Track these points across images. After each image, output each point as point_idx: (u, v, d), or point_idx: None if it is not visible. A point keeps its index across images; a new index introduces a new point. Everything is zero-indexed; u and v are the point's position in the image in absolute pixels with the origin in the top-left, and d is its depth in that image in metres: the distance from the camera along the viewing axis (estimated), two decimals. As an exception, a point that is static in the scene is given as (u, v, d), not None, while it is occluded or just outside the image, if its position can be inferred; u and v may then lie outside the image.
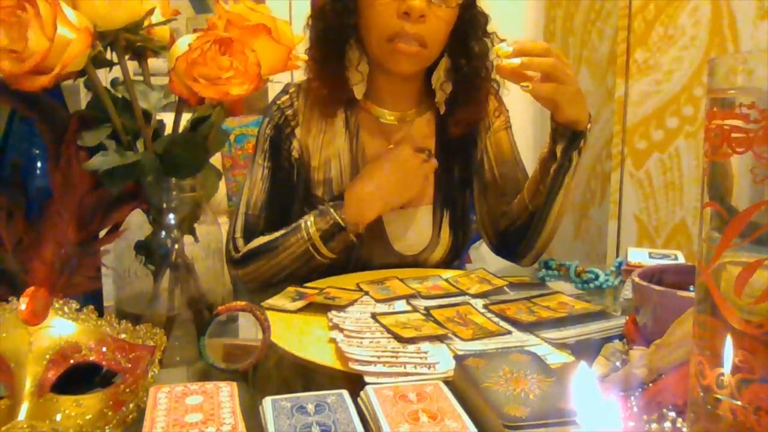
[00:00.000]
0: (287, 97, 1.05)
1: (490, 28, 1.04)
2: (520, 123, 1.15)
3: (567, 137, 0.92)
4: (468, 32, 1.02)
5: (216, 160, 1.68)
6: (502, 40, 1.05)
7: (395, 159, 0.97)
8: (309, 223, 0.94)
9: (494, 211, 1.07)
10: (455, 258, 1.10)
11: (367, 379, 0.57)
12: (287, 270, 0.95)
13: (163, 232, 0.66)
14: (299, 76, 1.12)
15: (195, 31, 0.61)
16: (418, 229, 1.04)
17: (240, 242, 1.01)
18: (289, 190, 1.03)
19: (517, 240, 1.03)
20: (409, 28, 0.92)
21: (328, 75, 1.00)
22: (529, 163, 1.14)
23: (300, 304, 0.79)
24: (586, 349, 0.63)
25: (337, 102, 1.03)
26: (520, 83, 0.87)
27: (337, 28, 0.98)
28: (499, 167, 1.08)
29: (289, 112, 1.04)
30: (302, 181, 1.03)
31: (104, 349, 0.53)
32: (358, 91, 1.01)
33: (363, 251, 1.01)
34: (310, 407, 0.49)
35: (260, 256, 0.95)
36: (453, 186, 1.08)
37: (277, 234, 0.96)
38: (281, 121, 1.04)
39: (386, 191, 0.95)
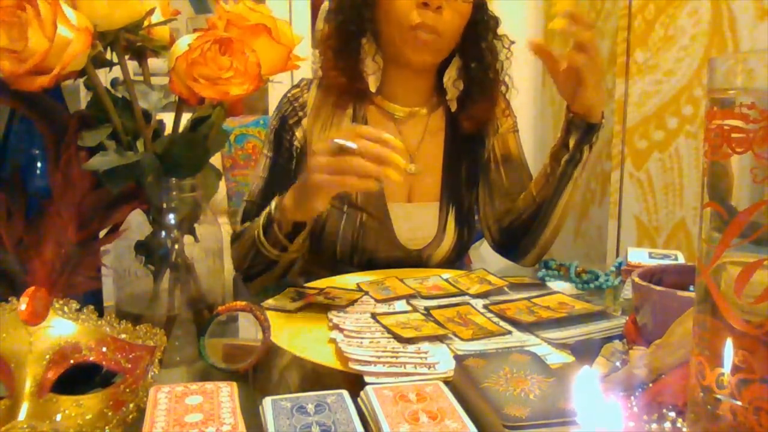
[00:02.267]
0: (297, 90, 1.07)
1: (500, 30, 1.06)
2: (521, 124, 1.16)
3: (582, 129, 0.93)
4: (479, 34, 1.04)
5: (216, 160, 1.68)
6: (512, 42, 1.07)
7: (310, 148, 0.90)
8: (269, 207, 0.89)
9: (498, 210, 1.08)
10: (460, 255, 1.10)
11: (367, 379, 0.57)
12: (247, 258, 0.91)
13: (163, 232, 0.66)
14: (299, 76, 1.13)
15: (195, 31, 0.61)
16: (423, 224, 1.05)
17: (238, 227, 1.02)
18: (287, 180, 1.04)
19: (520, 236, 1.04)
20: (427, 18, 0.95)
21: (345, 66, 1.02)
22: (529, 161, 1.15)
23: (300, 304, 0.79)
24: (586, 349, 0.63)
25: (351, 93, 1.04)
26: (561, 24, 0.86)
27: (356, 20, 1.01)
28: (505, 168, 1.09)
29: (297, 103, 1.06)
30: (301, 171, 1.04)
31: (104, 349, 0.53)
32: (373, 83, 1.03)
33: (369, 243, 1.02)
34: (310, 407, 0.49)
35: (237, 240, 0.97)
36: (460, 184, 1.08)
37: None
38: (287, 112, 1.06)
39: (299, 185, 0.85)
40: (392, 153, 0.72)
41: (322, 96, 1.06)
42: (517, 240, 1.05)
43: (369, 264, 1.01)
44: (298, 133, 1.04)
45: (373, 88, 1.03)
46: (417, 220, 1.05)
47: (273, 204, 0.87)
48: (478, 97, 1.05)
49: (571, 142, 0.94)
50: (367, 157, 0.72)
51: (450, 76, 1.05)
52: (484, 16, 1.04)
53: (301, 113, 1.05)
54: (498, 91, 1.08)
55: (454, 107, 1.06)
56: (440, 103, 1.09)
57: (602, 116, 0.94)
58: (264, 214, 0.88)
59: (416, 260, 1.04)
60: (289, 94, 1.07)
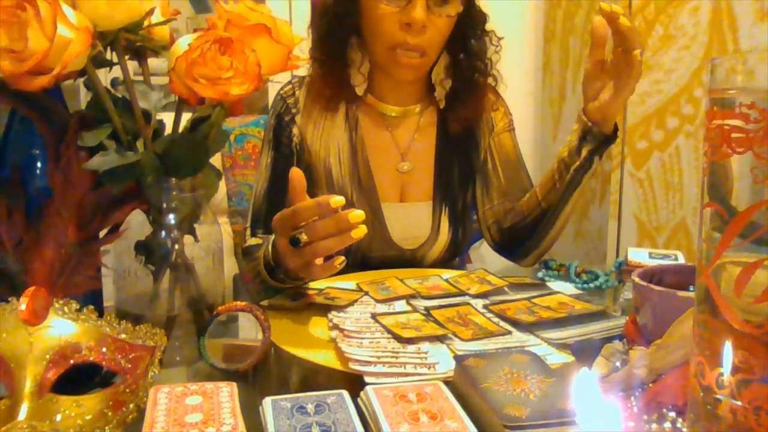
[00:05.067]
0: (290, 86, 1.08)
1: (488, 26, 1.06)
2: (520, 122, 1.16)
3: (599, 140, 0.91)
4: (467, 31, 1.04)
5: (216, 160, 1.68)
6: (501, 38, 1.06)
7: (274, 232, 0.77)
8: (267, 244, 0.82)
9: (497, 210, 1.08)
10: (455, 255, 1.10)
11: (367, 379, 0.57)
12: (258, 278, 0.85)
13: (163, 232, 0.66)
14: (299, 75, 1.13)
15: (195, 31, 0.61)
16: (417, 223, 1.05)
17: (248, 233, 1.03)
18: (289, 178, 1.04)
19: (523, 238, 1.04)
20: (410, 39, 0.94)
21: (331, 74, 1.03)
22: (529, 162, 1.14)
23: (300, 304, 0.79)
24: (586, 350, 0.63)
25: (339, 98, 1.05)
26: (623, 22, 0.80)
27: (339, 29, 1.01)
28: (504, 168, 1.09)
29: (291, 100, 1.06)
30: (303, 168, 1.03)
31: (104, 349, 0.53)
32: (360, 89, 1.04)
33: (363, 243, 1.02)
34: (310, 407, 0.49)
35: (246, 257, 0.94)
36: (453, 182, 1.08)
37: (259, 240, 0.92)
38: (282, 110, 1.06)
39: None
40: (338, 220, 0.68)
41: (313, 97, 1.06)
42: (519, 242, 1.05)
43: (363, 264, 1.01)
44: (295, 130, 1.05)
45: (361, 92, 1.04)
46: (410, 220, 1.05)
47: (269, 248, 0.80)
48: (466, 95, 1.05)
49: (584, 151, 0.92)
50: (322, 237, 0.69)
51: (438, 74, 1.05)
52: (471, 12, 1.03)
53: (294, 110, 1.06)
54: (486, 88, 1.08)
55: (442, 105, 1.07)
56: (431, 100, 1.09)
57: (616, 128, 0.92)
58: (262, 256, 0.82)
59: (410, 260, 1.04)
60: (281, 92, 1.08)
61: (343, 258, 0.71)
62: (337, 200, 0.68)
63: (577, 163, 0.93)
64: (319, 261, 0.73)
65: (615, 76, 0.86)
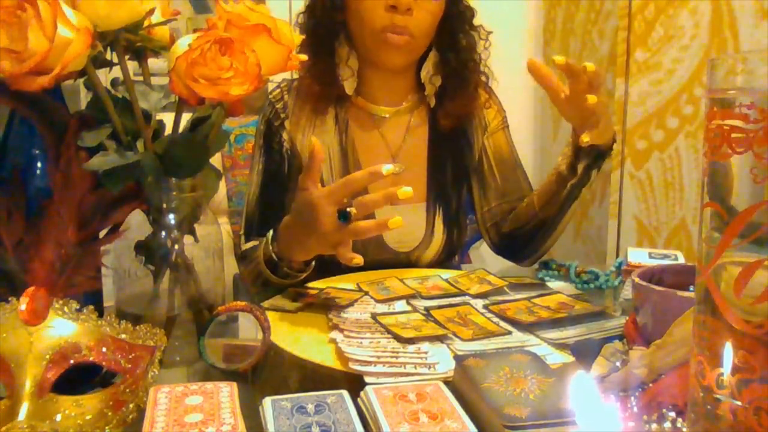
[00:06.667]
0: (278, 91, 1.07)
1: (476, 21, 1.05)
2: (520, 122, 1.15)
3: (592, 156, 0.90)
4: (455, 26, 1.03)
5: (216, 160, 1.67)
6: (489, 32, 1.06)
7: (312, 210, 0.75)
8: (265, 242, 0.85)
9: (496, 212, 1.08)
10: (450, 257, 1.10)
11: (367, 379, 0.57)
12: (257, 285, 0.89)
13: (163, 232, 0.66)
14: (288, 79, 1.13)
15: (195, 31, 0.61)
16: (411, 226, 1.04)
17: (243, 239, 1.02)
18: (280, 183, 1.04)
19: (523, 243, 1.04)
20: (397, 20, 0.94)
21: (319, 71, 1.02)
22: (529, 161, 1.14)
23: (300, 304, 0.79)
24: (586, 350, 0.63)
25: (328, 98, 1.04)
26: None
27: (327, 24, 1.00)
28: (499, 168, 1.08)
29: (279, 105, 1.05)
30: (294, 173, 1.03)
31: (104, 349, 0.53)
32: (349, 87, 1.03)
33: (357, 247, 1.01)
34: (310, 407, 0.49)
35: (244, 261, 0.95)
36: (446, 182, 1.08)
37: (256, 242, 0.94)
38: (272, 115, 1.06)
39: (299, 235, 0.80)
40: (388, 194, 0.71)
41: (302, 99, 1.05)
42: (518, 247, 1.05)
43: (358, 268, 1.00)
44: (285, 135, 1.04)
45: (350, 92, 1.03)
46: (404, 223, 1.04)
47: (268, 245, 0.83)
48: (456, 92, 1.04)
49: (580, 168, 0.91)
50: (372, 209, 0.73)
51: (427, 71, 1.05)
52: (458, 7, 1.03)
53: (283, 115, 1.04)
54: (476, 84, 1.07)
55: (432, 103, 1.06)
56: (421, 100, 1.08)
57: (614, 140, 0.91)
58: (262, 254, 0.84)
59: (405, 263, 1.03)
60: (270, 96, 1.07)
61: (360, 257, 0.74)
62: (389, 168, 0.70)
63: (574, 179, 0.93)
64: (349, 246, 0.75)
65: (580, 109, 0.84)
